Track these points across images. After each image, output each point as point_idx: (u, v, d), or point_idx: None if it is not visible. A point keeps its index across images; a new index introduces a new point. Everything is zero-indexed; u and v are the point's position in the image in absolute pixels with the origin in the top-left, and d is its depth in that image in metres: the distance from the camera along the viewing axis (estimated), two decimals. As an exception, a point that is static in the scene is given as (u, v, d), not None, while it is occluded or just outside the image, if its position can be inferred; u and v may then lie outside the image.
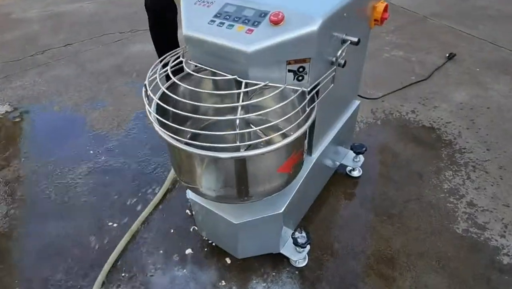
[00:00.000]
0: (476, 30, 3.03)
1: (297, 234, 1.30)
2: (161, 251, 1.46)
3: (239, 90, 0.88)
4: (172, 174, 1.71)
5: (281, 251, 1.36)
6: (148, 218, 1.58)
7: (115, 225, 1.57)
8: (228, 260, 1.42)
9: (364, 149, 1.65)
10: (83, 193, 1.71)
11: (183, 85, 0.94)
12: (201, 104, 1.12)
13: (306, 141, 1.16)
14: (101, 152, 1.93)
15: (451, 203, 1.60)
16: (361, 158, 1.71)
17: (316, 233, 1.48)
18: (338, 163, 1.69)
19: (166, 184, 1.69)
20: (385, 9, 1.23)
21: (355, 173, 1.74)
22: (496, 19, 3.20)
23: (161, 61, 1.02)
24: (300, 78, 0.94)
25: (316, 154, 1.31)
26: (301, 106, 0.90)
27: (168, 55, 1.03)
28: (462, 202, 1.60)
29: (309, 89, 0.95)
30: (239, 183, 0.99)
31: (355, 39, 1.03)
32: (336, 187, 1.68)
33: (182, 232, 1.52)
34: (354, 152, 1.66)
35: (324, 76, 0.99)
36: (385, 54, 2.74)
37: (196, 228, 1.51)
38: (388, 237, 1.47)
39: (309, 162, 1.29)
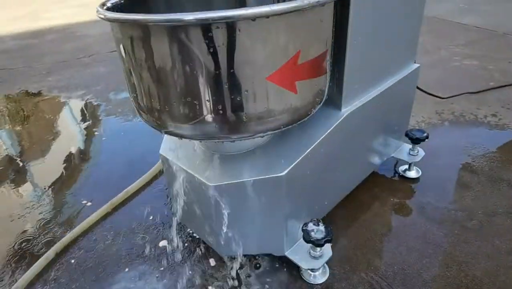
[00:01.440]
0: None
1: (311, 226, 0.84)
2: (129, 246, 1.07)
3: None
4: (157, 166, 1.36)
5: (286, 254, 0.89)
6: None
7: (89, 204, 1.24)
8: (212, 262, 0.98)
9: (425, 135, 1.17)
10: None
11: None
12: None
13: (329, 64, 0.75)
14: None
15: None
16: (420, 151, 1.22)
17: (351, 243, 1.00)
18: (387, 155, 1.21)
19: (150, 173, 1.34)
20: None
21: (412, 174, 1.24)
22: None
23: None
24: None
25: (347, 108, 0.88)
26: None
27: None
28: None
29: None
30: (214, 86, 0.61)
31: None
32: (384, 189, 1.19)
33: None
34: (411, 140, 1.18)
35: None
36: (455, 63, 2.26)
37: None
38: (462, 261, 0.94)
39: (336, 117, 0.87)
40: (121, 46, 0.65)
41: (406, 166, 1.25)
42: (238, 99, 0.61)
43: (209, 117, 0.64)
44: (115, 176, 1.37)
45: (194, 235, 1.05)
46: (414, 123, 1.56)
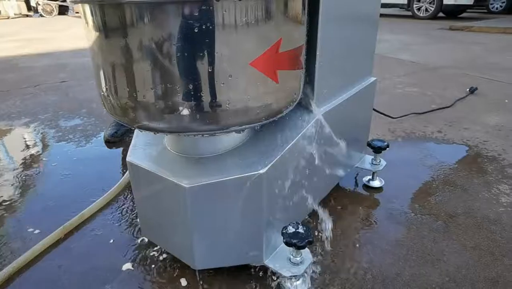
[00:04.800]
0: (492, 76, 2.81)
1: (290, 228, 0.81)
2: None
3: None
4: (127, 176, 1.28)
5: (265, 263, 0.85)
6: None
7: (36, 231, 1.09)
8: (183, 282, 0.90)
9: (385, 144, 1.23)
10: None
11: None
12: None
13: (304, 60, 0.77)
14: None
15: (519, 218, 1.11)
16: (382, 161, 1.27)
17: (328, 252, 0.98)
18: (352, 165, 1.24)
19: (116, 188, 1.25)
20: None
21: (376, 183, 1.28)
22: (510, 71, 3.00)
23: None
24: None
25: (321, 109, 0.90)
26: None
27: None
28: (535, 217, 1.11)
29: None
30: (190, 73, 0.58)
31: None
32: (352, 199, 1.21)
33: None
34: (373, 149, 1.23)
35: None
36: (399, 90, 2.46)
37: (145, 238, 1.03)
38: (434, 259, 0.96)
39: (309, 119, 0.88)
40: (92, 36, 0.62)
41: (370, 176, 1.29)
42: (220, 85, 0.60)
43: (187, 108, 0.62)
44: (67, 200, 1.25)
45: (163, 253, 0.97)
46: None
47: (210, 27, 0.55)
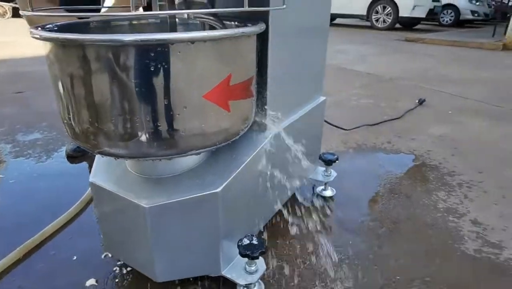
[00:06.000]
0: (440, 87, 3.05)
1: (245, 240, 0.88)
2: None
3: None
4: (89, 192, 1.30)
5: (223, 273, 0.91)
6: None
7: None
8: (145, 294, 0.94)
9: (335, 157, 1.34)
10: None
11: None
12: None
13: (255, 89, 0.85)
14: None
15: (452, 222, 1.24)
16: (332, 172, 1.38)
17: (283, 262, 1.06)
18: (306, 177, 1.34)
19: (78, 205, 1.27)
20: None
21: (328, 193, 1.38)
22: (457, 82, 3.28)
23: None
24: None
25: (272, 130, 0.99)
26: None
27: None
28: (465, 220, 1.25)
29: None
30: (151, 106, 0.64)
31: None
32: (307, 208, 1.30)
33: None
34: (324, 162, 1.33)
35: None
36: (353, 102, 2.62)
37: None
38: (382, 262, 1.06)
39: (262, 139, 0.96)
40: (55, 68, 0.66)
41: (323, 186, 1.39)
42: (176, 116, 0.66)
43: (146, 135, 0.68)
44: (26, 219, 1.25)
45: (127, 267, 1.01)
46: (325, 151, 1.75)
47: (166, 66, 0.61)
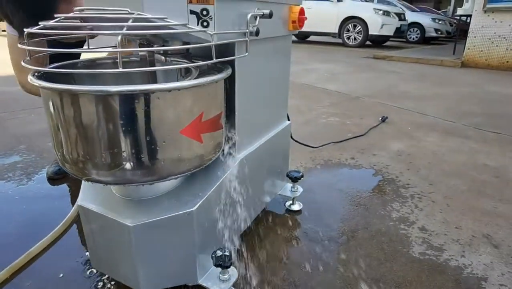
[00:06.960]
0: (402, 104, 3.29)
1: (219, 252, 1.01)
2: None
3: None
4: (73, 212, 1.39)
5: (200, 282, 1.04)
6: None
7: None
8: (129, 305, 1.05)
9: (300, 174, 1.49)
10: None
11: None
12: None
13: (224, 121, 0.99)
14: None
15: (403, 229, 1.41)
16: (299, 188, 1.53)
17: (254, 272, 1.19)
18: (275, 193, 1.48)
19: (65, 222, 1.36)
20: (301, 12, 1.24)
21: (295, 207, 1.53)
22: (417, 99, 3.55)
23: None
24: (205, 24, 0.84)
25: (241, 154, 1.13)
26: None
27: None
28: (414, 228, 1.42)
29: (215, 41, 0.83)
30: (133, 140, 0.77)
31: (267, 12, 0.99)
32: (276, 222, 1.44)
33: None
34: (291, 179, 1.49)
35: (234, 39, 0.91)
36: (322, 120, 2.81)
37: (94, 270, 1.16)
38: (335, 268, 1.21)
39: (233, 162, 1.10)
40: (51, 108, 0.79)
41: (291, 201, 1.54)
42: (156, 149, 0.80)
43: (130, 165, 0.80)
44: (10, 239, 1.33)
45: (112, 281, 1.11)
46: (294, 168, 1.91)
47: (147, 109, 0.75)
